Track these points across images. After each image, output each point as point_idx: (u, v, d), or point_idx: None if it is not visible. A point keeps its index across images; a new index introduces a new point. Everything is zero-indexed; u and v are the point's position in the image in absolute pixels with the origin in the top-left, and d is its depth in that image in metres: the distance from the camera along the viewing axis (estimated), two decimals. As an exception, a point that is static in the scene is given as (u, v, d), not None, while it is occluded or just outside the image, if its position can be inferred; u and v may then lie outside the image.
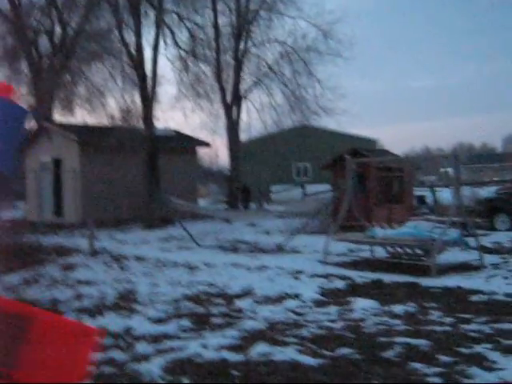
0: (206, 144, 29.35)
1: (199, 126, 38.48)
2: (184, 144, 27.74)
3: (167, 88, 66.88)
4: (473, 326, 6.78)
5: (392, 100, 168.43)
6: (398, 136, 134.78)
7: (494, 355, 5.66)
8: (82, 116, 29.43)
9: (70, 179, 23.96)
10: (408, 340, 6.18)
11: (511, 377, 5.03)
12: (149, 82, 23.82)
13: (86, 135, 24.53)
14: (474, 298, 8.37)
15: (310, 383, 5.00)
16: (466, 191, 23.49)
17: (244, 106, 30.18)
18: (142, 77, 23.67)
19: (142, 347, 6.28)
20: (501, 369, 5.27)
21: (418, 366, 5.37)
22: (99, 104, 29.17)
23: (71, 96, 32.21)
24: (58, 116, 31.93)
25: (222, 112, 29.64)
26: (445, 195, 22.68)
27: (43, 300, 8.95)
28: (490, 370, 5.26)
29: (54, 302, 8.78)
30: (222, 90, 29.08)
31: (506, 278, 9.95)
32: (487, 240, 14.29)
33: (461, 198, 11.55)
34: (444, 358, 5.58)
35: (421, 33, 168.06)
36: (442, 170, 54.85)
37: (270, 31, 29.87)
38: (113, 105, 26.51)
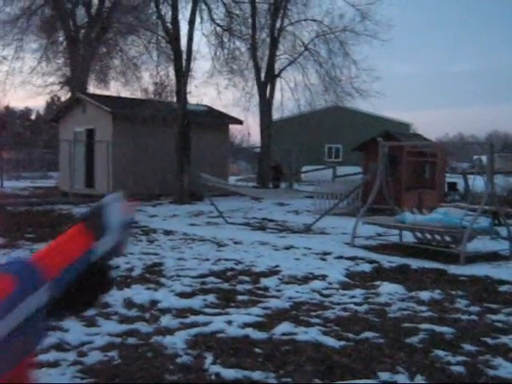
0: (239, 121, 29.33)
1: (232, 102, 38.51)
2: (216, 120, 27.75)
3: (201, 63, 66.79)
4: (500, 317, 6.71)
5: (428, 84, 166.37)
6: (433, 121, 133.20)
7: (520, 347, 5.61)
8: (116, 89, 29.63)
9: (102, 150, 24.14)
10: (433, 327, 6.14)
11: (536, 369, 4.97)
12: (183, 56, 23.79)
13: (119, 107, 24.67)
14: (503, 288, 8.28)
15: (333, 365, 5.01)
16: (498, 180, 23.20)
17: (278, 84, 30.07)
18: (177, 51, 23.65)
19: (166, 320, 6.34)
20: (526, 361, 5.22)
21: (441, 353, 5.34)
22: (133, 77, 29.29)
23: (106, 68, 32.41)
24: (93, 88, 32.20)
25: (255, 89, 29.57)
26: (477, 183, 22.38)
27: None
28: (515, 361, 5.22)
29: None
30: (257, 67, 28.98)
31: (536, 269, 9.82)
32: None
33: (493, 187, 11.38)
34: (469, 347, 5.54)
35: (463, 15, 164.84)
36: (475, 157, 54.15)
37: (306, 10, 29.65)
38: (147, 78, 26.62)
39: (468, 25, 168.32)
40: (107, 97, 27.59)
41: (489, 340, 5.79)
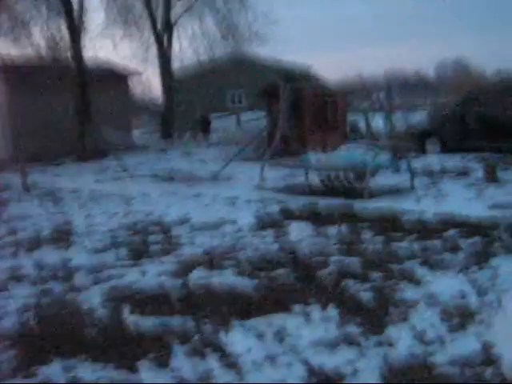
0: (137, 73, 28.77)
1: (130, 55, 37.52)
2: (115, 73, 27.10)
3: (94, 15, 63.90)
4: (403, 244, 7.04)
5: (326, 27, 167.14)
6: (332, 63, 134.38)
7: (423, 270, 5.92)
8: (5, 48, 28.17)
9: (-2, 114, 23.21)
10: (341, 259, 6.39)
11: (438, 290, 5.28)
12: (74, 9, 22.91)
13: (11, 68, 23.63)
14: (405, 218, 8.64)
15: (248, 303, 5.15)
16: (398, 116, 23.91)
17: (175, 34, 29.56)
18: (68, 4, 22.76)
19: (80, 277, 6.30)
20: (428, 283, 5.53)
21: (351, 283, 5.58)
22: (23, 35, 28.01)
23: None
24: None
25: (152, 40, 28.98)
26: (377, 121, 23.04)
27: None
28: (418, 284, 5.52)
29: (-12, 238, 8.65)
30: (152, 16, 28.32)
31: (435, 198, 10.30)
32: (418, 163, 14.65)
33: (392, 123, 11.76)
34: (375, 275, 5.81)
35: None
36: (374, 95, 55.45)
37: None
38: (38, 34, 25.45)
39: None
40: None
41: (394, 266, 6.09)
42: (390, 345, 4.22)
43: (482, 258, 6.29)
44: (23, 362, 4.18)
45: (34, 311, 5.27)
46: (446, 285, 5.39)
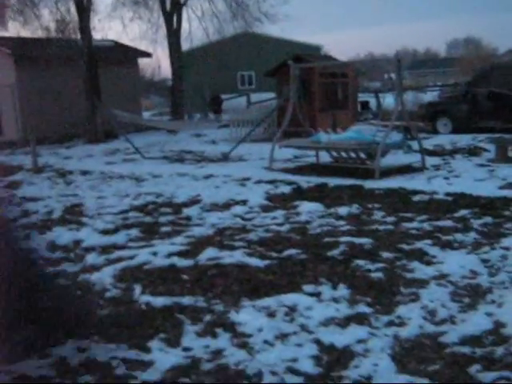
0: (147, 54, 28.67)
1: (139, 36, 37.41)
2: (124, 55, 27.03)
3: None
4: (414, 224, 7.04)
5: (337, 5, 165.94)
6: (343, 42, 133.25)
7: (434, 250, 5.92)
8: (15, 29, 28.12)
9: (7, 95, 23.19)
10: (352, 239, 6.38)
11: (449, 269, 5.29)
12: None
13: (20, 48, 23.60)
14: (416, 197, 8.64)
15: (259, 283, 5.16)
16: (409, 96, 23.82)
17: (184, 14, 29.38)
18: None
19: (92, 258, 6.32)
20: (439, 262, 5.53)
21: (361, 263, 5.58)
22: (32, 16, 27.95)
23: (2, 9, 30.79)
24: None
25: (161, 20, 28.82)
26: (389, 100, 22.98)
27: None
28: (429, 264, 5.52)
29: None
30: (161, -4, 28.15)
31: (447, 178, 10.28)
32: (429, 143, 14.60)
33: (403, 102, 11.69)
34: (386, 255, 5.81)
35: None
36: (386, 75, 55.17)
37: None
38: (47, 16, 25.35)
39: None
40: (7, 38, 26.32)
41: (404, 246, 6.09)
42: (401, 324, 4.23)
43: (493, 237, 6.29)
44: (37, 343, 4.20)
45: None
46: (457, 265, 5.40)
